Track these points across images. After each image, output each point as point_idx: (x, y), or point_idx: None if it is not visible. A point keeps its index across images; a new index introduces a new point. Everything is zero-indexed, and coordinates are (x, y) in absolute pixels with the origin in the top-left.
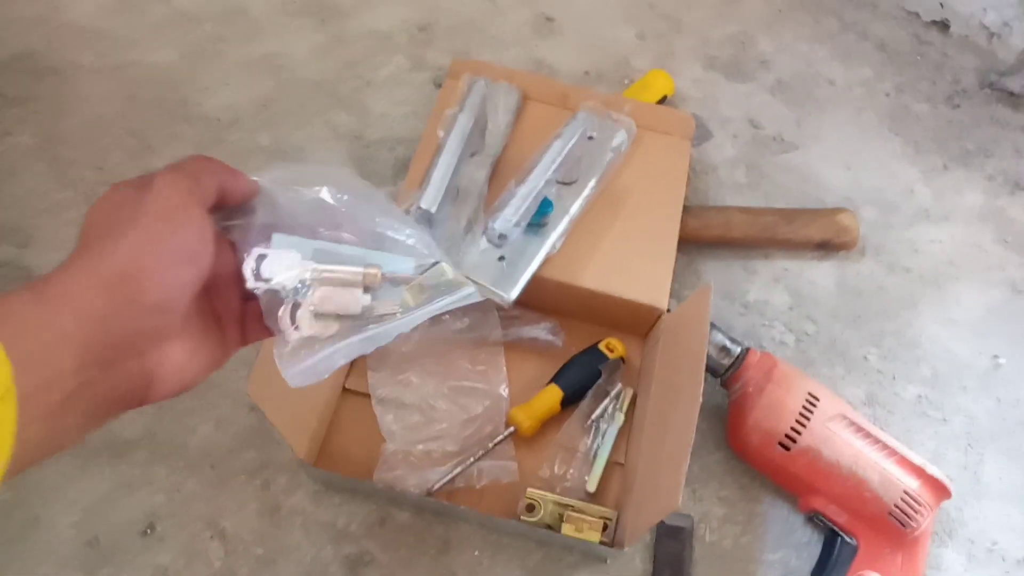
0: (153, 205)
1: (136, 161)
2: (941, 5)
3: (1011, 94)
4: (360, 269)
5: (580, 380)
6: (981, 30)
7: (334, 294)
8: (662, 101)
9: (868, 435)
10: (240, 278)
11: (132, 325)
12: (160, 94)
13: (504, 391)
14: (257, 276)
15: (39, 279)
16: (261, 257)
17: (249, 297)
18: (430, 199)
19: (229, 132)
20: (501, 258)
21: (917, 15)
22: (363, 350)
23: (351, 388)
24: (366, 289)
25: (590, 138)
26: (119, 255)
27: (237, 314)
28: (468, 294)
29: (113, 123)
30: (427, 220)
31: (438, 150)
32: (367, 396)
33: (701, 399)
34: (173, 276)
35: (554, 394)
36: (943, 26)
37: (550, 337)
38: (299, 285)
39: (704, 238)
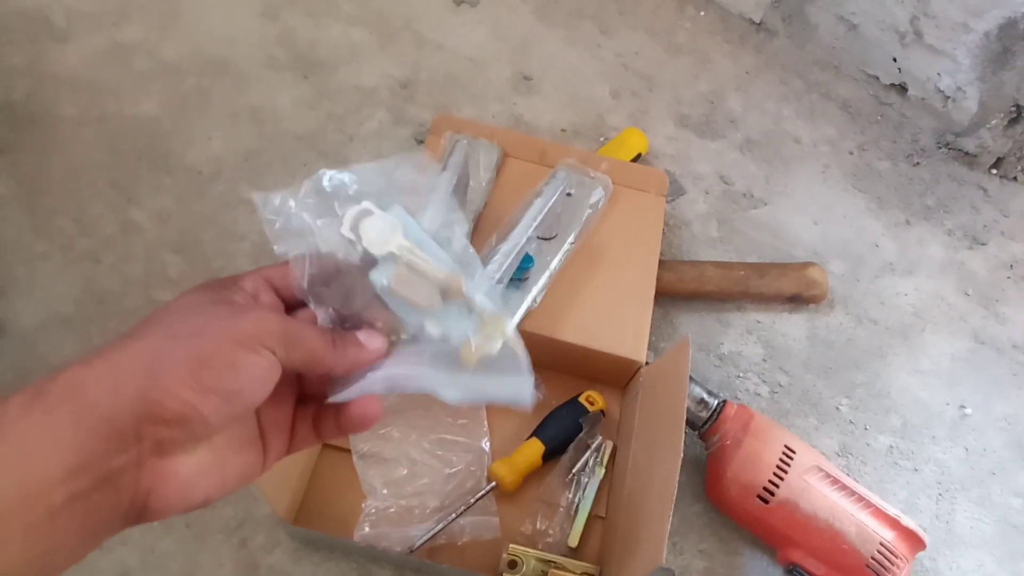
0: (227, 332)
1: (116, 213)
2: (899, 70)
3: (966, 153)
4: (447, 269)
5: (561, 433)
6: (936, 93)
7: (414, 279)
8: (637, 158)
9: (844, 487)
10: (299, 382)
11: (140, 432)
12: (142, 146)
13: (486, 445)
14: (352, 229)
15: (55, 370)
16: (365, 212)
17: (303, 400)
18: None
19: (211, 184)
20: None
21: (877, 78)
22: (402, 385)
23: (331, 444)
24: (443, 294)
25: (568, 195)
26: (153, 350)
27: (287, 421)
28: (520, 388)
29: (94, 174)
30: None
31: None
32: (348, 451)
33: (682, 454)
34: (211, 403)
35: (535, 448)
36: (901, 89)
37: None
38: (387, 255)
39: (679, 291)
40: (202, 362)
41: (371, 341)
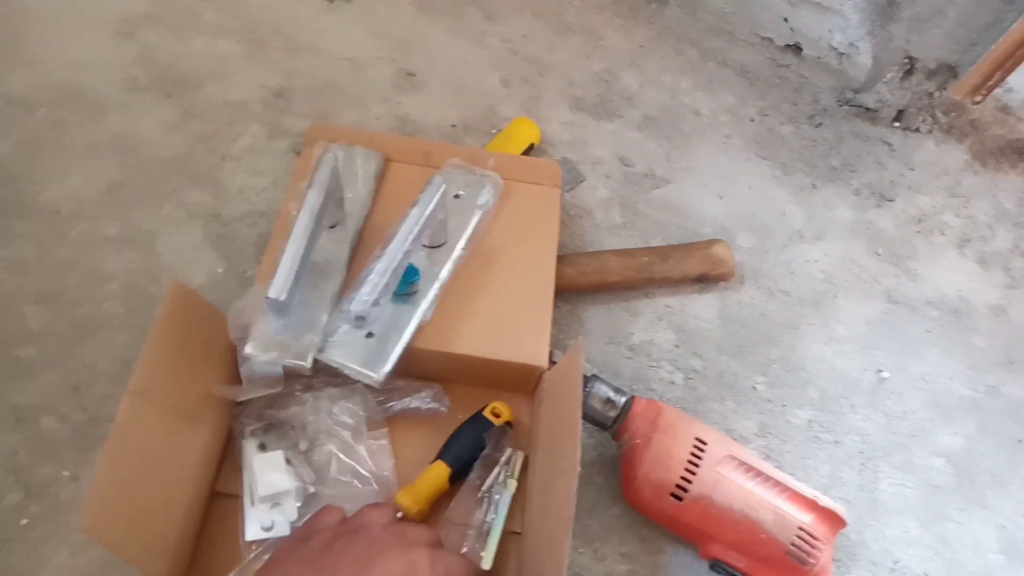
0: None
1: None
2: (792, 30)
3: (867, 109)
4: None
5: (467, 453)
6: (831, 51)
7: None
8: (530, 149)
9: (759, 474)
10: None
11: None
12: None
13: (391, 473)
14: None
15: None
16: None
17: None
18: (278, 287)
19: (72, 224)
20: (369, 335)
21: (771, 40)
22: None
23: (222, 491)
24: None
25: (456, 196)
26: None
27: None
28: None
29: None
30: (278, 309)
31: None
32: (236, 496)
33: (579, 468)
34: None
35: (441, 471)
36: (796, 49)
37: (434, 405)
38: None
39: (582, 285)
40: None
41: None
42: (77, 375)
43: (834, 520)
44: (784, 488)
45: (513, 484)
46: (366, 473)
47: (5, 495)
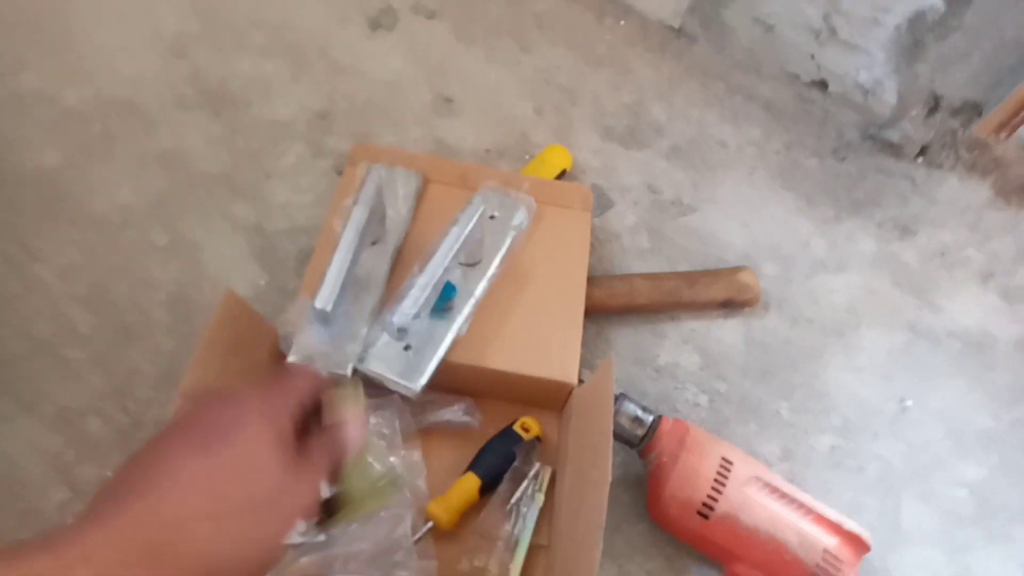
0: (233, 462)
1: (18, 270)
2: (818, 67)
3: (891, 144)
4: None
5: (497, 465)
6: (856, 88)
7: None
8: (561, 175)
9: (784, 495)
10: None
11: None
12: (45, 198)
13: (423, 483)
14: None
15: (54, 531)
16: None
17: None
18: (324, 298)
19: (121, 233)
20: (407, 347)
21: (797, 76)
22: None
23: None
24: None
25: (492, 217)
26: (162, 517)
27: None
28: None
29: None
30: (323, 319)
31: (335, 245)
32: None
33: (610, 478)
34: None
35: (471, 483)
36: (822, 85)
37: (466, 418)
38: None
39: (611, 307)
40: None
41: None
42: (122, 379)
43: (859, 544)
44: (809, 510)
45: (541, 498)
46: (400, 482)
47: (52, 493)
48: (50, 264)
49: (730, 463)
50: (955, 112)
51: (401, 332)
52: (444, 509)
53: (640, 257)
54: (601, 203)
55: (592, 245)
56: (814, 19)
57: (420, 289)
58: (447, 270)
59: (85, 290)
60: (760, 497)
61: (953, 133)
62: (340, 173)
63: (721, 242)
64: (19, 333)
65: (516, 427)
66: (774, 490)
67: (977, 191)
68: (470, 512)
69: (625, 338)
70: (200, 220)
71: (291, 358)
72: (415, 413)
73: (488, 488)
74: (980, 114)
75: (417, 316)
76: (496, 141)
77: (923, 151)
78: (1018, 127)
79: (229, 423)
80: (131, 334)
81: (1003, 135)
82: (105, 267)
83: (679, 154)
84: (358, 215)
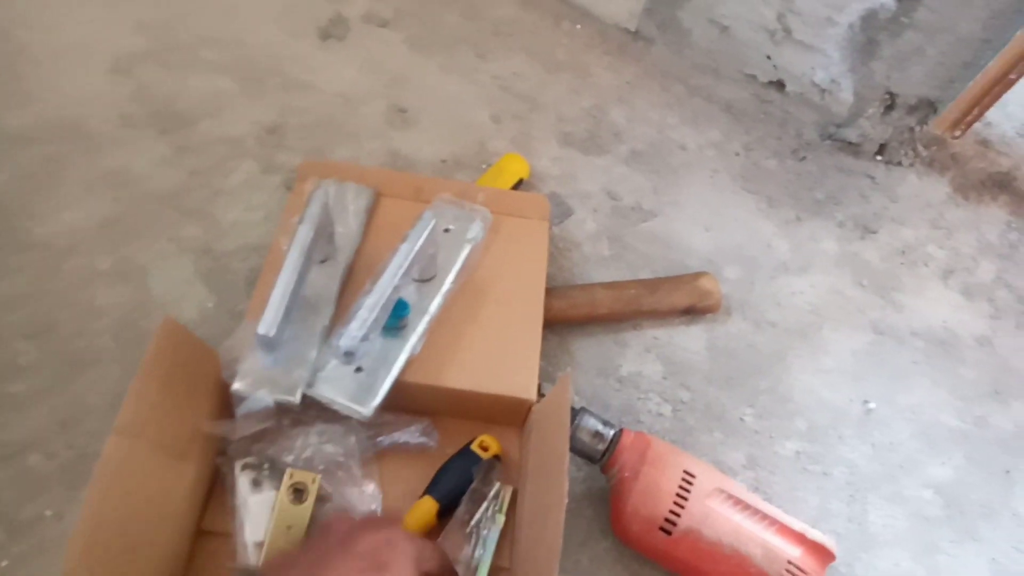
0: None
1: None
2: (775, 67)
3: (850, 143)
4: None
5: (455, 488)
6: (813, 87)
7: None
8: (519, 184)
9: (747, 507)
10: None
11: None
12: None
13: (378, 510)
14: None
15: None
16: None
17: None
18: (268, 323)
19: (65, 259)
20: (358, 369)
21: (755, 77)
22: None
23: (208, 529)
24: None
25: (446, 231)
26: None
27: None
28: None
29: None
30: (268, 344)
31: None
32: (226, 535)
33: (567, 500)
34: None
35: (429, 506)
36: (780, 85)
37: (423, 439)
38: None
39: (572, 318)
40: None
41: None
42: (66, 411)
43: (823, 554)
44: (773, 521)
45: (501, 519)
46: (353, 512)
47: None
48: None
49: (693, 476)
50: (911, 110)
51: (348, 355)
52: None
53: (601, 265)
54: (561, 211)
55: (552, 254)
56: (769, 19)
57: (368, 310)
58: (398, 288)
59: (28, 320)
60: (723, 510)
61: (910, 130)
62: (291, 189)
63: (683, 247)
64: None
65: (474, 446)
66: (738, 502)
67: (936, 188)
68: (429, 536)
69: (587, 349)
70: (147, 243)
71: (236, 385)
72: (371, 436)
73: (447, 511)
74: (936, 111)
75: (366, 338)
76: (453, 151)
77: (882, 149)
78: (973, 123)
79: (384, 547)
80: (76, 364)
81: (959, 132)
82: (48, 295)
83: (639, 158)
84: (303, 234)
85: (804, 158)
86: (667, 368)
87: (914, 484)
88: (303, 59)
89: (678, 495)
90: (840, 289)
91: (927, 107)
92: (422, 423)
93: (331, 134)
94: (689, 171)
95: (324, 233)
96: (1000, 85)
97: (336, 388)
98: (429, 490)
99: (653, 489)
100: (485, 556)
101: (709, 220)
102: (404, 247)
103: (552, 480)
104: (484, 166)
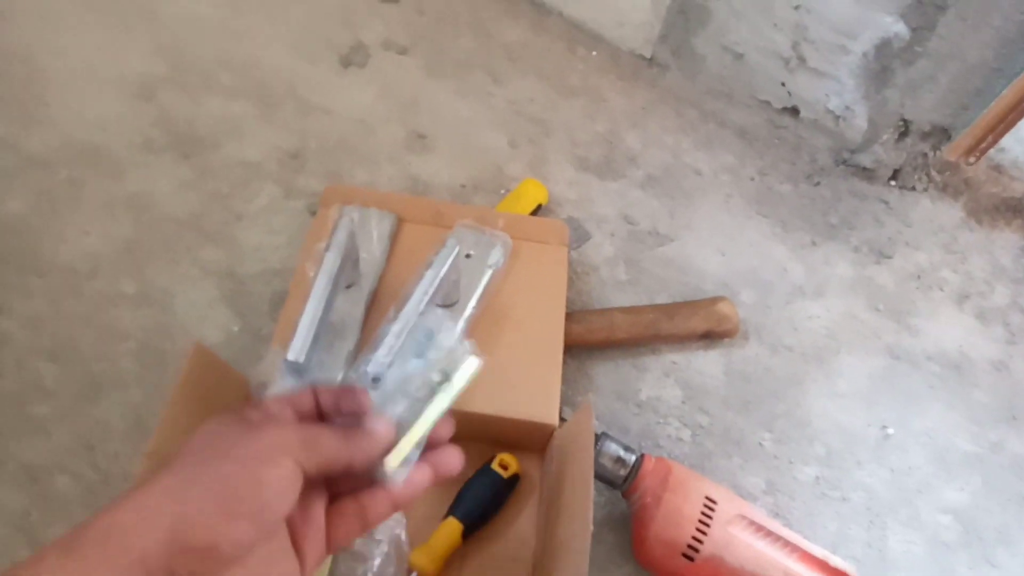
0: (246, 450)
1: None
2: (789, 93)
3: (864, 169)
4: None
5: (478, 507)
6: (827, 114)
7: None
8: (537, 209)
9: (768, 533)
10: (328, 482)
11: (173, 567)
12: (9, 247)
13: (402, 533)
14: None
15: (90, 516)
16: None
17: (336, 497)
18: (296, 350)
19: (88, 282)
20: None
21: (769, 103)
22: None
23: None
24: None
25: (467, 256)
26: (180, 482)
27: (319, 525)
28: None
29: None
30: (296, 370)
31: (309, 291)
32: None
33: (592, 528)
34: (240, 527)
35: (453, 528)
36: (794, 111)
37: None
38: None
39: (590, 342)
40: (226, 485)
41: (377, 425)
42: (91, 433)
43: None
44: (795, 548)
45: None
46: (379, 535)
47: (17, 555)
48: (14, 316)
49: (714, 502)
50: (925, 136)
51: (376, 381)
52: (429, 559)
53: (619, 289)
54: (578, 235)
55: (570, 278)
56: (783, 47)
57: (395, 336)
58: (422, 314)
59: (51, 342)
60: (745, 536)
61: (924, 156)
62: (313, 213)
63: (699, 271)
64: None
65: (494, 465)
66: (759, 528)
67: (949, 212)
68: (453, 558)
69: (606, 373)
70: (169, 266)
71: None
72: None
73: (471, 531)
74: (949, 137)
75: (392, 364)
76: (471, 176)
77: (895, 174)
78: (987, 150)
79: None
80: (99, 386)
81: (973, 158)
82: (72, 317)
83: (654, 183)
84: (330, 261)
85: (818, 183)
86: (686, 392)
87: (931, 509)
88: (322, 85)
89: (700, 521)
90: (855, 313)
91: (941, 133)
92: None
93: (351, 159)
94: (704, 195)
95: (350, 259)
96: (1015, 113)
97: None
98: (452, 511)
99: (675, 515)
100: (423, 419)
101: (724, 244)
102: (429, 273)
103: (577, 506)
104: (502, 191)
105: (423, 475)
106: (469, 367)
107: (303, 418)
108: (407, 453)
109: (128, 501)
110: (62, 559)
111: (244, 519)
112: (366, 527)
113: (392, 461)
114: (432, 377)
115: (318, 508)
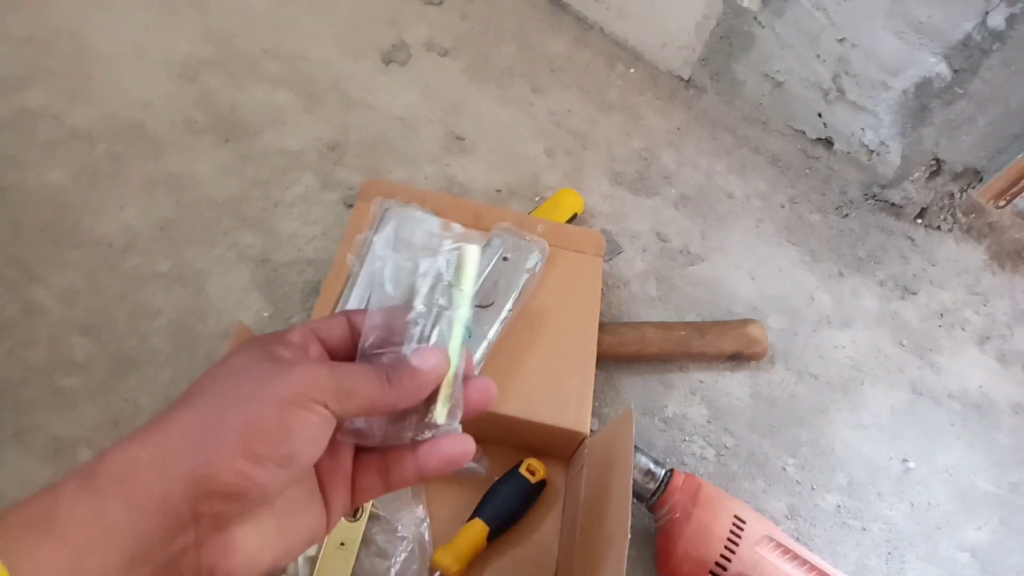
0: (275, 392)
1: (15, 291)
2: (824, 125)
3: (892, 204)
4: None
5: (504, 511)
6: (861, 147)
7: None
8: (573, 219)
9: (795, 556)
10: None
11: (197, 510)
12: (47, 219)
13: (426, 532)
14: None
15: (104, 451)
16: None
17: (363, 449)
18: None
19: (124, 257)
20: None
21: (804, 133)
22: None
23: None
24: None
25: (505, 259)
26: (202, 421)
27: (347, 474)
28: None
29: None
30: None
31: (349, 279)
32: None
33: (629, 534)
34: (267, 471)
35: (479, 529)
36: (828, 143)
37: (473, 465)
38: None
39: (620, 354)
40: (253, 429)
41: (426, 359)
42: (118, 409)
43: None
44: (821, 573)
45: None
46: (403, 532)
47: None
48: (49, 287)
49: (743, 521)
50: (956, 176)
51: None
52: (454, 558)
53: (648, 304)
54: (610, 248)
55: (601, 290)
56: (824, 78)
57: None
58: None
59: (84, 315)
60: (772, 557)
61: (951, 196)
62: (349, 206)
63: (729, 293)
64: (14, 358)
65: (522, 470)
66: (786, 551)
67: (973, 254)
68: (476, 561)
69: (633, 386)
70: (205, 247)
71: None
72: None
73: (496, 534)
74: (980, 179)
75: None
76: (507, 181)
77: (922, 212)
78: (1018, 195)
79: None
80: (129, 363)
81: (1003, 202)
82: (106, 292)
83: (687, 203)
84: (377, 250)
85: (847, 215)
86: (711, 412)
87: (951, 546)
88: (365, 81)
89: (729, 539)
90: (880, 346)
91: (972, 175)
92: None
93: (389, 155)
94: (735, 219)
95: None
96: None
97: None
98: (478, 513)
99: (705, 532)
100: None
101: (754, 268)
102: None
103: (613, 514)
104: (537, 198)
105: (466, 445)
106: (471, 260)
107: (334, 349)
108: (451, 391)
109: (149, 435)
110: (77, 496)
111: (271, 463)
112: (388, 488)
113: (441, 411)
114: (444, 281)
115: (346, 456)
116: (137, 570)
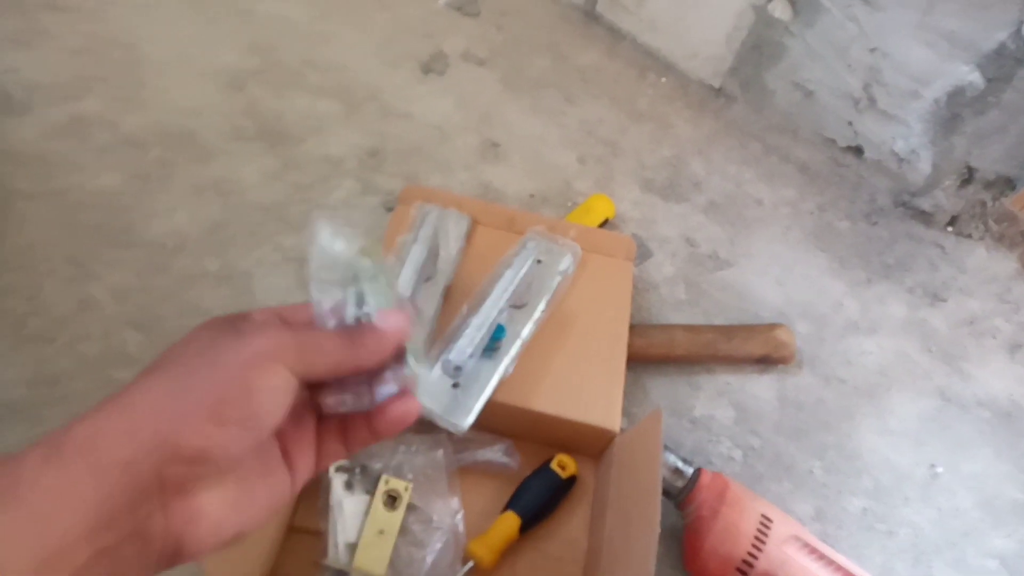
0: (236, 356)
1: (72, 288)
2: (855, 133)
3: (922, 212)
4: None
5: (536, 504)
6: (891, 156)
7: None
8: (604, 224)
9: (821, 556)
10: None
11: (162, 474)
12: (102, 220)
13: (460, 523)
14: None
15: (70, 422)
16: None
17: (325, 414)
18: None
19: (175, 258)
20: (455, 385)
21: (834, 141)
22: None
23: (299, 526)
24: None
25: (538, 262)
26: (167, 387)
27: (311, 438)
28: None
29: (50, 250)
30: None
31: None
32: (316, 533)
33: (659, 530)
34: (230, 433)
35: (512, 521)
36: (857, 151)
37: (505, 459)
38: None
39: (649, 356)
40: (216, 392)
41: (387, 320)
42: None
43: None
44: (847, 573)
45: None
46: (438, 523)
47: None
48: (104, 284)
49: (770, 520)
50: (988, 185)
51: (457, 371)
52: (487, 548)
53: (677, 308)
54: (640, 253)
55: (631, 293)
56: (855, 88)
57: (475, 329)
58: (499, 311)
59: (136, 312)
60: (799, 557)
61: (983, 205)
62: (389, 210)
63: (757, 298)
64: (69, 350)
65: (553, 465)
66: (812, 550)
67: (1004, 263)
68: (507, 553)
69: (661, 388)
70: (251, 249)
71: None
72: (456, 451)
73: (528, 527)
74: (1013, 188)
75: (472, 356)
76: (540, 187)
77: (953, 220)
78: None
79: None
80: None
81: None
82: (157, 290)
83: (716, 209)
84: (417, 253)
85: (876, 223)
86: (738, 414)
87: (978, 553)
88: (403, 90)
89: (756, 538)
90: (908, 353)
91: (1004, 184)
92: (504, 443)
93: (426, 162)
94: (764, 226)
95: (433, 254)
96: None
97: (434, 401)
98: (511, 505)
99: (732, 530)
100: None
101: (782, 275)
102: (508, 273)
103: (643, 509)
104: (569, 204)
105: (411, 405)
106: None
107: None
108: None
109: (112, 404)
110: (42, 466)
111: (234, 425)
112: (349, 451)
113: (413, 364)
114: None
115: (309, 421)
116: (104, 536)
